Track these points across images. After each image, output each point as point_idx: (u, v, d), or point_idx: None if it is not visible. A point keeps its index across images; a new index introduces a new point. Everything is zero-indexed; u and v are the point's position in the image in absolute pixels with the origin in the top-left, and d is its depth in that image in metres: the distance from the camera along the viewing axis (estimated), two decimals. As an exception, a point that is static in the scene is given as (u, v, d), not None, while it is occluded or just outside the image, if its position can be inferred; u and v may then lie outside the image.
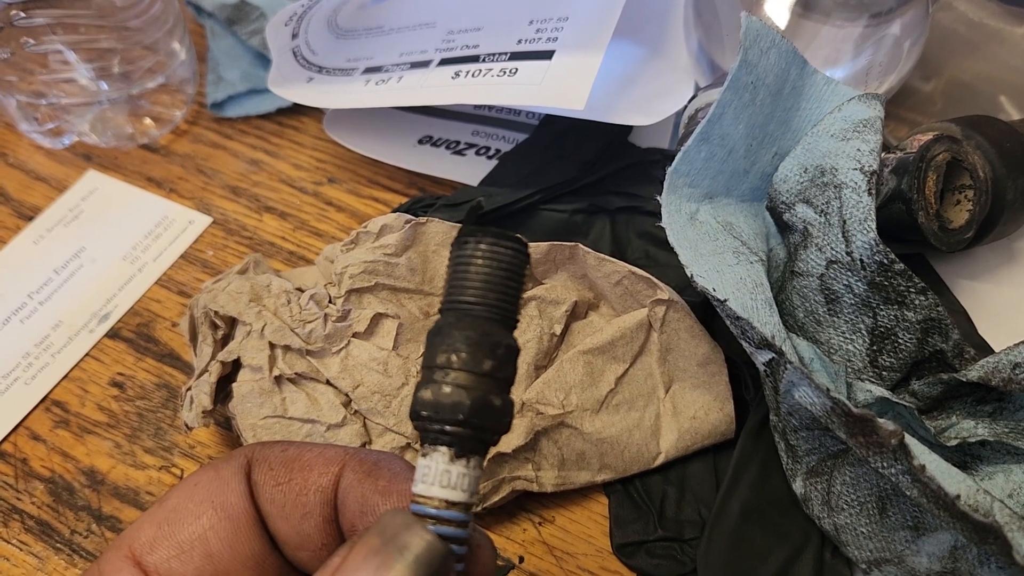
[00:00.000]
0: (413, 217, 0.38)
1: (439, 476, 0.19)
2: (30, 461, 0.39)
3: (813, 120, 0.39)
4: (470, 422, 0.19)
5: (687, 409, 0.38)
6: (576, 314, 0.39)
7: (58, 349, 0.43)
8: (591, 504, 0.38)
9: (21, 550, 0.36)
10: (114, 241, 0.47)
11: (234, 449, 0.22)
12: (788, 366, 0.32)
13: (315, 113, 0.54)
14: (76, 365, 0.42)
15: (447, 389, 0.19)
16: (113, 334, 0.43)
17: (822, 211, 0.36)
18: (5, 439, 0.40)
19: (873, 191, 0.35)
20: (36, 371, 0.42)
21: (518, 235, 0.20)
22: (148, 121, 0.52)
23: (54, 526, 0.37)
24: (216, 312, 0.37)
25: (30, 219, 0.49)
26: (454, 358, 0.19)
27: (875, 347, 0.36)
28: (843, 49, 0.48)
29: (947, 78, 0.54)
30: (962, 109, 0.52)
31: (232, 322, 0.38)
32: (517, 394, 0.37)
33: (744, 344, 0.34)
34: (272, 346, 0.36)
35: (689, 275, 0.34)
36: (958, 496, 0.28)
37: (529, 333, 0.38)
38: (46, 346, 0.43)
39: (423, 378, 0.19)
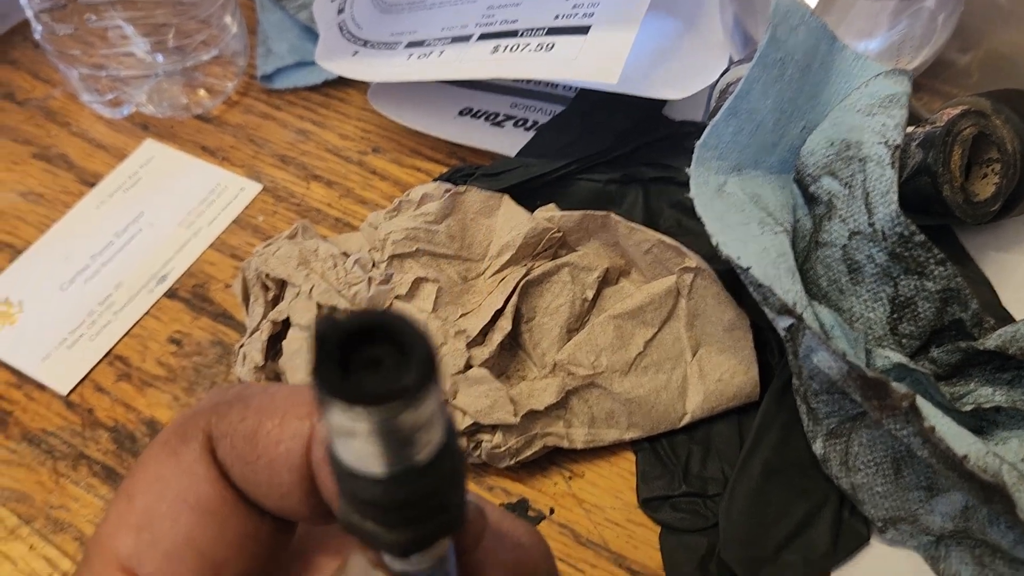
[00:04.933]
0: (453, 186, 0.40)
1: (397, 562, 0.17)
2: (95, 411, 0.42)
3: (842, 95, 0.40)
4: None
5: (713, 372, 0.39)
6: (608, 280, 0.41)
7: (120, 308, 0.45)
8: (619, 461, 0.40)
9: (89, 492, 0.39)
10: (170, 207, 0.50)
11: (188, 415, 0.21)
12: (806, 332, 0.33)
13: (360, 85, 0.56)
14: (137, 323, 0.45)
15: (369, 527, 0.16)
16: (171, 294, 0.46)
17: (847, 184, 0.37)
18: (73, 391, 0.43)
19: (896, 165, 0.36)
20: (100, 328, 0.45)
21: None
22: (202, 92, 0.55)
23: (118, 472, 0.40)
24: (267, 274, 0.40)
25: (92, 185, 0.51)
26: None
27: (895, 315, 0.37)
28: (878, 22, 0.48)
29: (985, 50, 0.54)
30: (999, 81, 0.52)
31: (282, 284, 0.40)
32: (550, 355, 0.39)
33: (766, 310, 0.36)
34: (319, 307, 0.38)
35: (714, 244, 0.35)
36: (966, 457, 0.29)
37: (562, 298, 0.40)
38: (108, 304, 0.45)
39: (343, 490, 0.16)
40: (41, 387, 0.43)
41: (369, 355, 0.13)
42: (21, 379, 0.43)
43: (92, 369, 0.43)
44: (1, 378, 0.43)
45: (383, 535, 0.16)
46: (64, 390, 0.42)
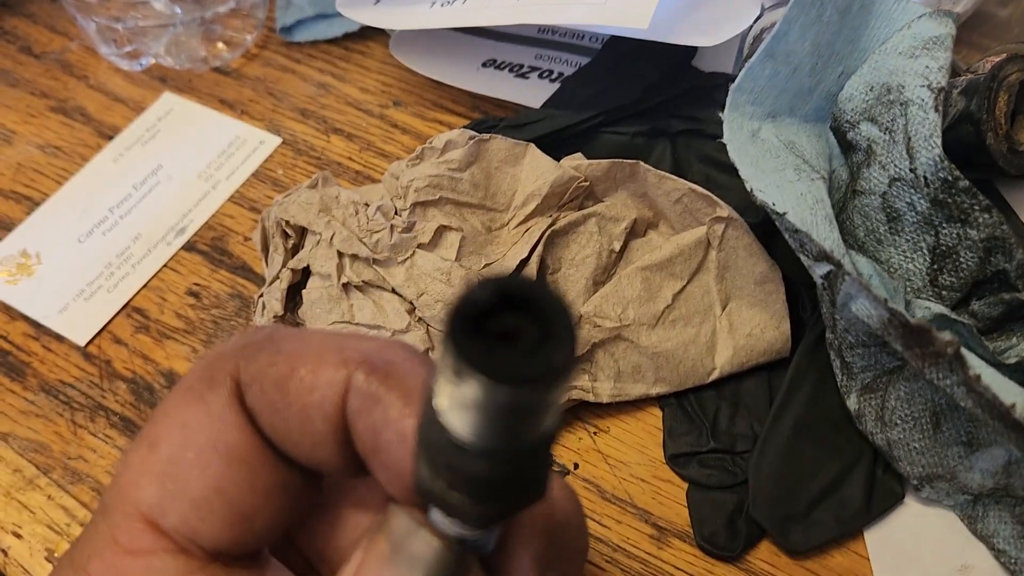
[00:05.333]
0: (477, 133, 0.39)
1: (450, 524, 0.17)
2: (113, 363, 0.41)
3: (881, 39, 0.39)
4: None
5: (743, 326, 0.38)
6: (635, 232, 0.40)
7: (138, 260, 0.45)
8: (645, 416, 0.39)
9: (107, 443, 0.39)
10: (189, 159, 0.49)
11: (213, 359, 0.19)
12: (846, 278, 0.32)
13: (381, 38, 0.55)
14: (155, 275, 0.44)
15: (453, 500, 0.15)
16: (189, 247, 0.45)
17: (887, 129, 0.36)
18: (90, 342, 0.42)
19: (940, 108, 0.34)
20: (118, 280, 0.44)
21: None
22: (220, 45, 0.53)
23: (136, 423, 0.39)
24: (287, 222, 0.39)
25: (110, 138, 0.50)
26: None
27: (936, 266, 0.36)
28: (917, -29, 0.47)
29: (1026, 3, 0.52)
30: (1041, 35, 0.50)
31: (302, 232, 0.39)
32: (576, 307, 0.38)
33: (802, 257, 0.35)
34: (340, 255, 0.38)
35: (749, 189, 0.34)
36: (1013, 405, 0.28)
37: (588, 249, 0.38)
38: (127, 257, 0.45)
39: (421, 456, 0.15)
40: (59, 338, 0.42)
41: (507, 324, 0.12)
42: (39, 330, 0.42)
43: (110, 321, 0.43)
44: (19, 329, 0.43)
45: (468, 507, 0.15)
46: (82, 341, 0.42)
